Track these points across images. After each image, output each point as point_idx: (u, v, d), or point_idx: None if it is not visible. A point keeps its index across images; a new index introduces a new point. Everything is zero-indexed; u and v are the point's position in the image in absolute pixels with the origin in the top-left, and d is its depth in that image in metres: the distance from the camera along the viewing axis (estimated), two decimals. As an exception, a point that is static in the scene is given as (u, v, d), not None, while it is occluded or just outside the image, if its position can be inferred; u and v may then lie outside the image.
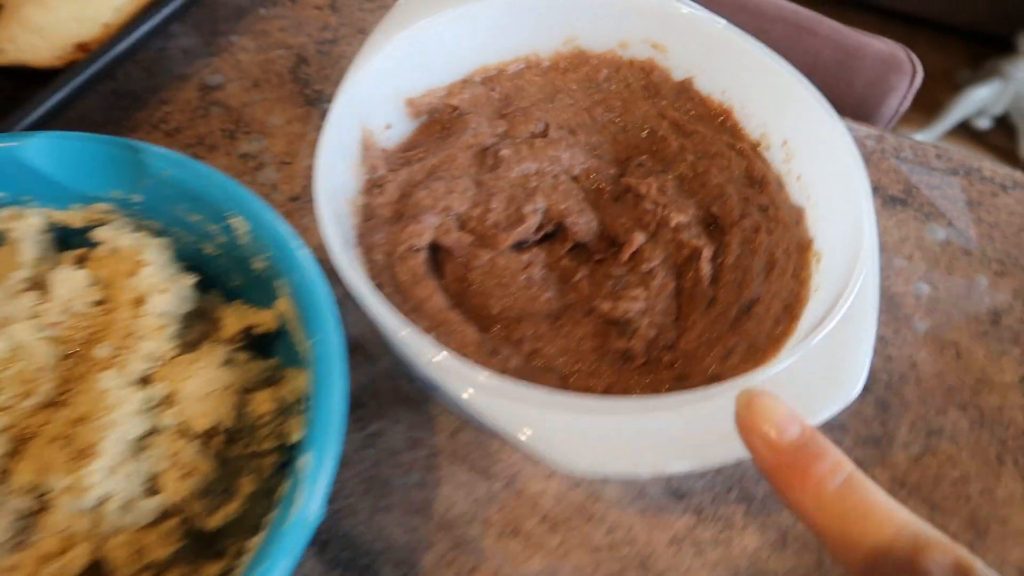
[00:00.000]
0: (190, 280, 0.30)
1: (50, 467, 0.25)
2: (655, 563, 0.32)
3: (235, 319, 0.31)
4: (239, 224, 0.29)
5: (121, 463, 0.25)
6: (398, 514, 0.33)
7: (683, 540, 0.32)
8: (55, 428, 0.26)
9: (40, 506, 0.25)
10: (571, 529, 0.33)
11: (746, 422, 0.22)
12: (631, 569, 0.32)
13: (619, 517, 0.33)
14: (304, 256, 0.28)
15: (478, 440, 0.34)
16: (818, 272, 0.33)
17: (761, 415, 0.22)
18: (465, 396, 0.25)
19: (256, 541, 0.23)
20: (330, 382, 0.25)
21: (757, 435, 0.22)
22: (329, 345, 0.26)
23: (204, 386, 0.27)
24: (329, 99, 0.47)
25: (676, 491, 0.34)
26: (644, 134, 0.40)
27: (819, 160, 0.35)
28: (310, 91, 0.47)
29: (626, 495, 0.34)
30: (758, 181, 0.36)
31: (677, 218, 0.34)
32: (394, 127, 0.38)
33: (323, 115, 0.46)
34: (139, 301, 0.29)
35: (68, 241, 0.32)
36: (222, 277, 0.32)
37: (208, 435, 0.27)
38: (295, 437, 0.28)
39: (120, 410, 0.26)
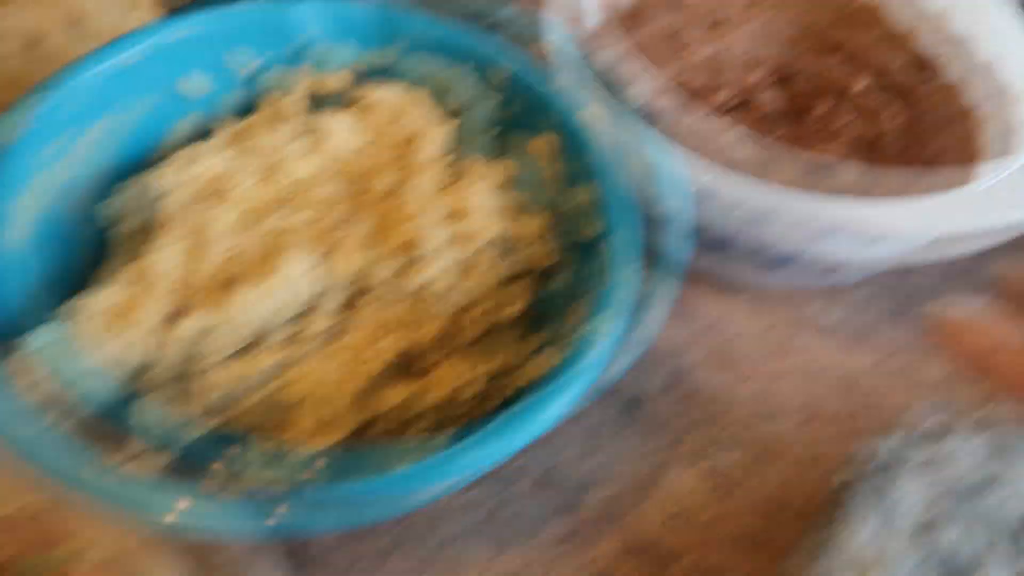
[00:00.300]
0: (454, 122, 0.33)
1: (375, 258, 0.28)
2: (858, 387, 0.35)
3: (480, 167, 0.34)
4: (495, 74, 0.33)
5: (438, 254, 0.28)
6: (616, 350, 0.36)
7: (880, 365, 0.36)
8: (362, 235, 0.30)
9: (359, 296, 0.29)
10: (774, 349, 0.36)
11: (955, 343, 0.18)
12: (835, 392, 0.35)
13: (818, 350, 0.36)
14: (563, 87, 0.32)
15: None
16: (988, 133, 0.37)
17: (963, 329, 0.18)
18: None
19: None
20: (617, 181, 0.29)
21: (973, 349, 0.18)
22: (607, 154, 0.30)
23: (483, 204, 0.31)
24: None
25: (861, 330, 0.37)
26: (801, 32, 0.44)
27: (977, 37, 0.39)
28: None
29: (821, 331, 0.37)
30: (919, 62, 0.40)
31: (857, 85, 0.38)
32: (586, 18, 0.42)
33: None
34: (408, 141, 0.33)
35: (324, 102, 0.35)
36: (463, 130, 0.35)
37: (492, 245, 0.30)
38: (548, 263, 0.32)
39: (426, 215, 0.29)
